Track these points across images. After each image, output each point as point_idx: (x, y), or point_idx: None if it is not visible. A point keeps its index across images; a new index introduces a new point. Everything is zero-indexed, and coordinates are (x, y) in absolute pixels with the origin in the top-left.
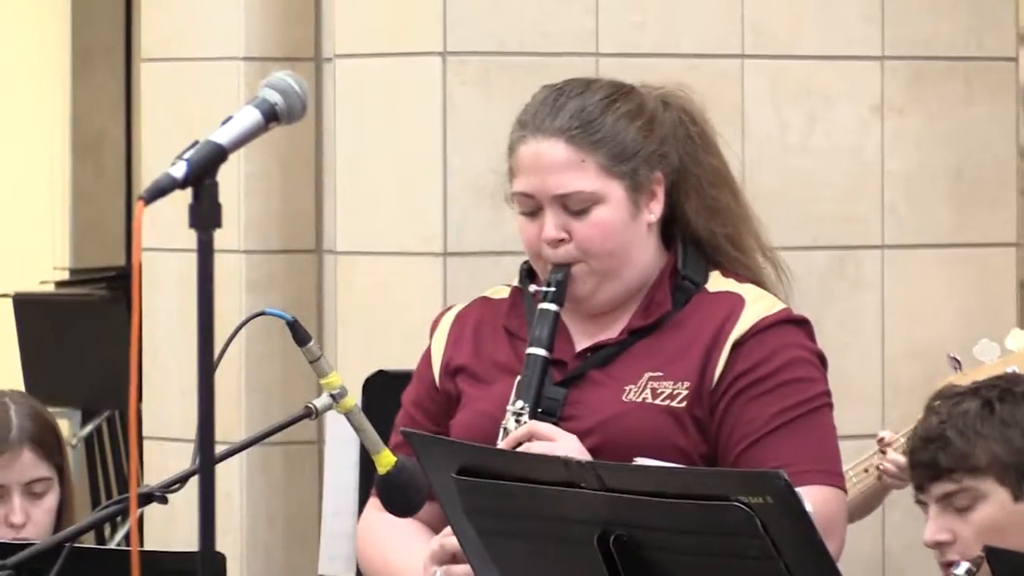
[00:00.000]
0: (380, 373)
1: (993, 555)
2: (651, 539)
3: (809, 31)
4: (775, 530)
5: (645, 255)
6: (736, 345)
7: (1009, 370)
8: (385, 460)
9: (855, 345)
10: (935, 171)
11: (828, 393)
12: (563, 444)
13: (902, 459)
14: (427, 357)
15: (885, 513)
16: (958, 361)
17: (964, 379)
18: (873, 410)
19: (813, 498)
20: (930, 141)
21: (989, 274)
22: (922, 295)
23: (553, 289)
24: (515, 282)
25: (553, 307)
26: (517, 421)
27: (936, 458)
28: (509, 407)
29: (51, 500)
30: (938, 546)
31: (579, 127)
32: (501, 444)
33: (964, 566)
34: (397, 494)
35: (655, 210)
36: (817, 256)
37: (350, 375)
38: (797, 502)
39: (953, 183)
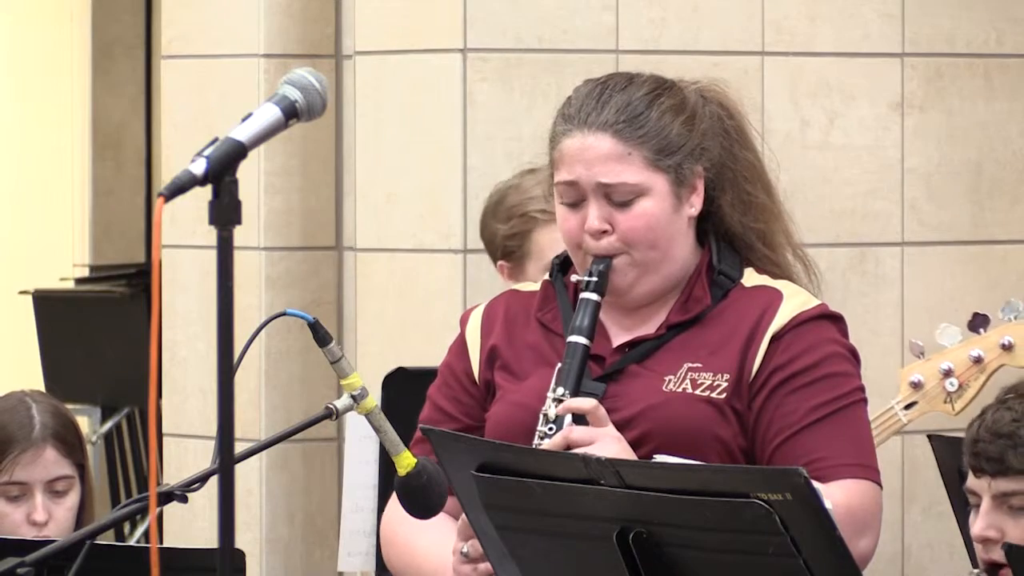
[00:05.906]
0: (399, 370)
1: (1013, 553)
2: (670, 536)
3: (829, 28)
4: (794, 527)
5: (683, 249)
6: (775, 338)
7: (972, 353)
8: (405, 462)
9: (874, 341)
10: (955, 168)
11: (863, 388)
12: (602, 446)
13: None
14: (461, 351)
15: (904, 512)
16: (921, 347)
17: (929, 364)
18: None
19: (848, 492)
20: (950, 138)
21: (1009, 270)
22: (942, 291)
23: (595, 279)
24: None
25: (594, 296)
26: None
27: (1004, 455)
28: (549, 393)
29: (72, 499)
30: (985, 542)
31: (625, 121)
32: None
33: (975, 572)
34: (417, 496)
35: (696, 204)
36: (837, 252)
37: (369, 372)
38: (816, 499)
39: (973, 180)
